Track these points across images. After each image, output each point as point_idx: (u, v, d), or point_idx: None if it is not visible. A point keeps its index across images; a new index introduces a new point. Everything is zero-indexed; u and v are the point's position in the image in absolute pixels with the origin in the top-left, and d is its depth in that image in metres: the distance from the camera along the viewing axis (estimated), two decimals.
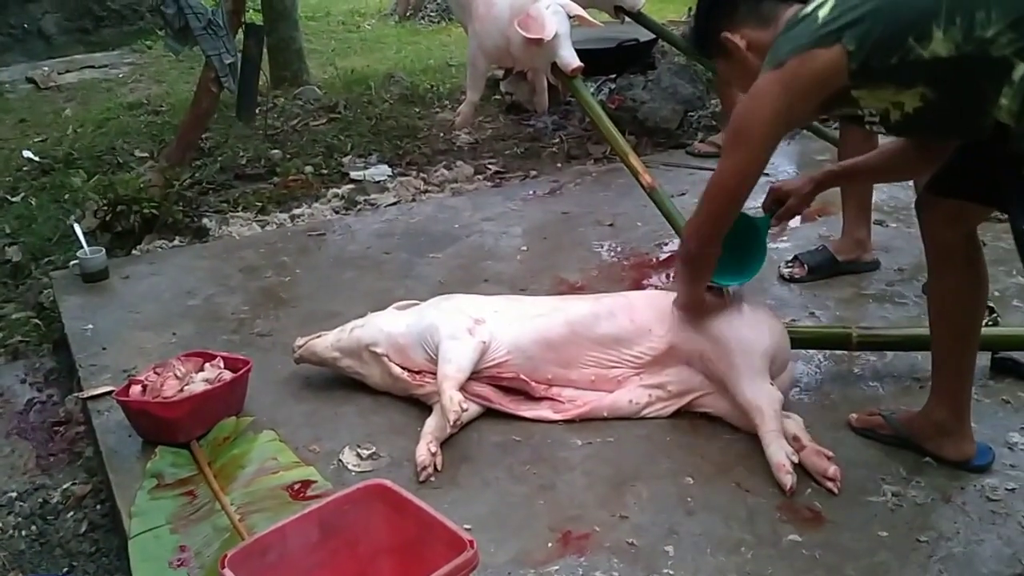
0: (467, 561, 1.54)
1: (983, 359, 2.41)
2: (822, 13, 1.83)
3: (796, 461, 2.14)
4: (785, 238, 3.55)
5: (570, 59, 3.60)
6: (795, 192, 2.35)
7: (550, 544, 1.99)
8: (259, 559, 1.62)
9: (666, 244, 3.50)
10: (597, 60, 4.72)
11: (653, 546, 1.97)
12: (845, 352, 2.62)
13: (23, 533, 2.40)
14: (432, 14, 9.36)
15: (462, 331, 2.43)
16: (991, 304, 2.56)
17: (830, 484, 2.11)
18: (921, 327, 2.63)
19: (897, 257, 3.24)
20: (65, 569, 2.26)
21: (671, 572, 1.89)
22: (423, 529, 1.68)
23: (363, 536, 1.75)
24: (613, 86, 5.12)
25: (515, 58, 3.93)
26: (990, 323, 2.61)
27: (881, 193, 3.66)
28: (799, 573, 1.88)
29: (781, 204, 2.38)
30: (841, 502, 2.08)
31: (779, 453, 2.14)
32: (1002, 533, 1.97)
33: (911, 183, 3.00)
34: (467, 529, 1.83)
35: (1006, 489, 2.09)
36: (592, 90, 4.96)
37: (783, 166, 4.40)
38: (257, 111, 4.97)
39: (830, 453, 2.16)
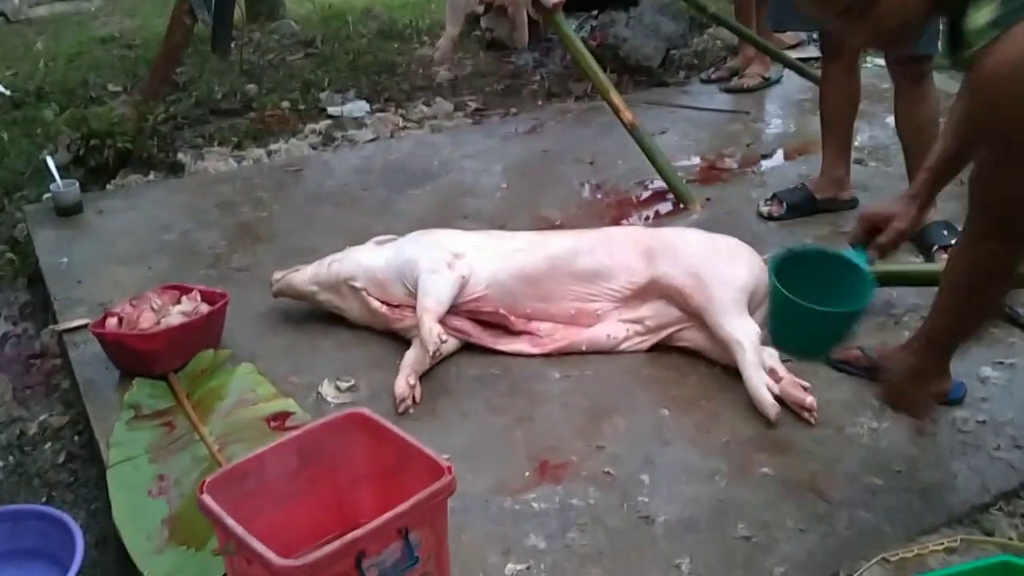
0: (445, 486, 1.55)
1: None
2: None
3: (777, 392, 2.16)
4: (764, 177, 3.55)
5: None
6: (900, 216, 1.91)
7: (527, 473, 2.01)
8: (237, 485, 1.62)
9: (647, 183, 3.49)
10: None
11: (629, 475, 1.99)
12: None
13: (0, 464, 2.40)
14: None
15: (442, 265, 2.42)
16: None
17: (807, 415, 2.13)
18: (895, 264, 2.65)
19: (876, 196, 3.23)
20: (43, 499, 2.26)
21: (646, 500, 1.92)
22: (402, 456, 1.68)
23: (342, 463, 1.75)
24: (595, 23, 5.05)
25: None
26: None
27: (862, 133, 3.66)
28: (772, 502, 1.91)
29: (872, 234, 1.94)
30: (815, 434, 2.10)
31: (760, 386, 2.16)
32: (972, 464, 2.00)
33: (891, 120, 2.98)
34: (446, 458, 1.84)
35: (976, 421, 2.13)
36: (574, 27, 4.89)
37: (762, 109, 4.38)
38: (232, 45, 4.88)
39: (807, 384, 2.18)
